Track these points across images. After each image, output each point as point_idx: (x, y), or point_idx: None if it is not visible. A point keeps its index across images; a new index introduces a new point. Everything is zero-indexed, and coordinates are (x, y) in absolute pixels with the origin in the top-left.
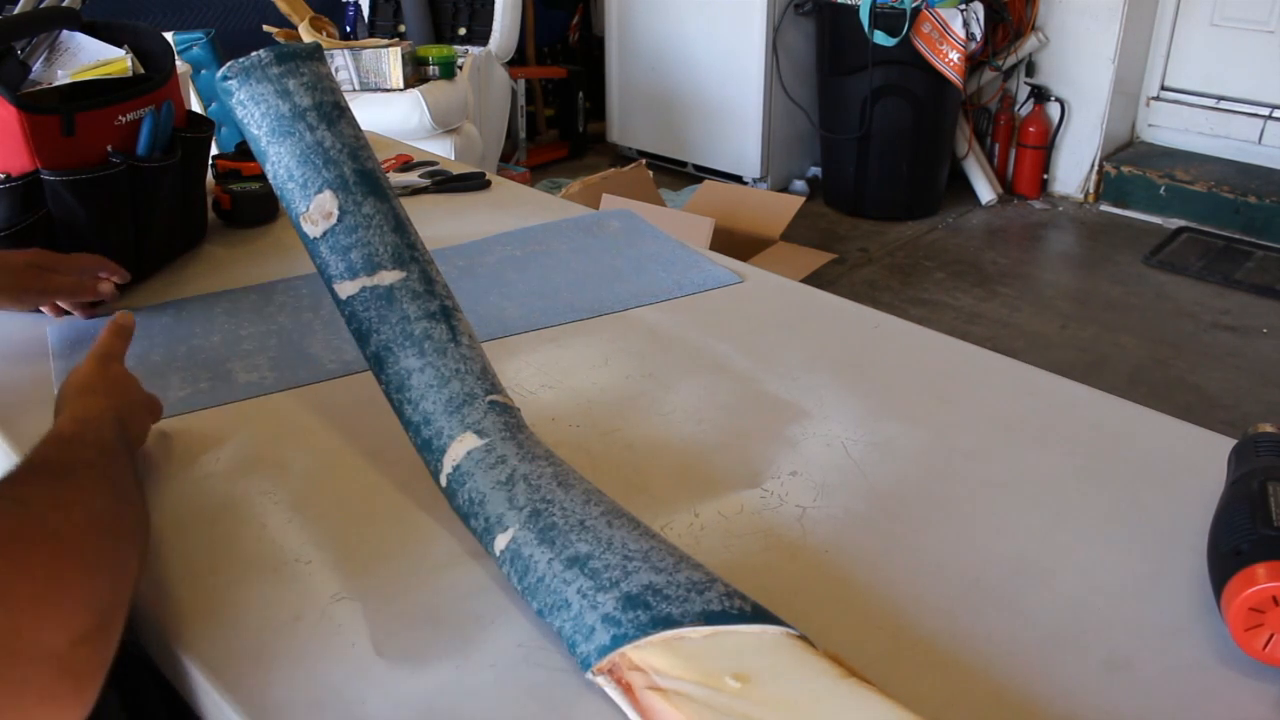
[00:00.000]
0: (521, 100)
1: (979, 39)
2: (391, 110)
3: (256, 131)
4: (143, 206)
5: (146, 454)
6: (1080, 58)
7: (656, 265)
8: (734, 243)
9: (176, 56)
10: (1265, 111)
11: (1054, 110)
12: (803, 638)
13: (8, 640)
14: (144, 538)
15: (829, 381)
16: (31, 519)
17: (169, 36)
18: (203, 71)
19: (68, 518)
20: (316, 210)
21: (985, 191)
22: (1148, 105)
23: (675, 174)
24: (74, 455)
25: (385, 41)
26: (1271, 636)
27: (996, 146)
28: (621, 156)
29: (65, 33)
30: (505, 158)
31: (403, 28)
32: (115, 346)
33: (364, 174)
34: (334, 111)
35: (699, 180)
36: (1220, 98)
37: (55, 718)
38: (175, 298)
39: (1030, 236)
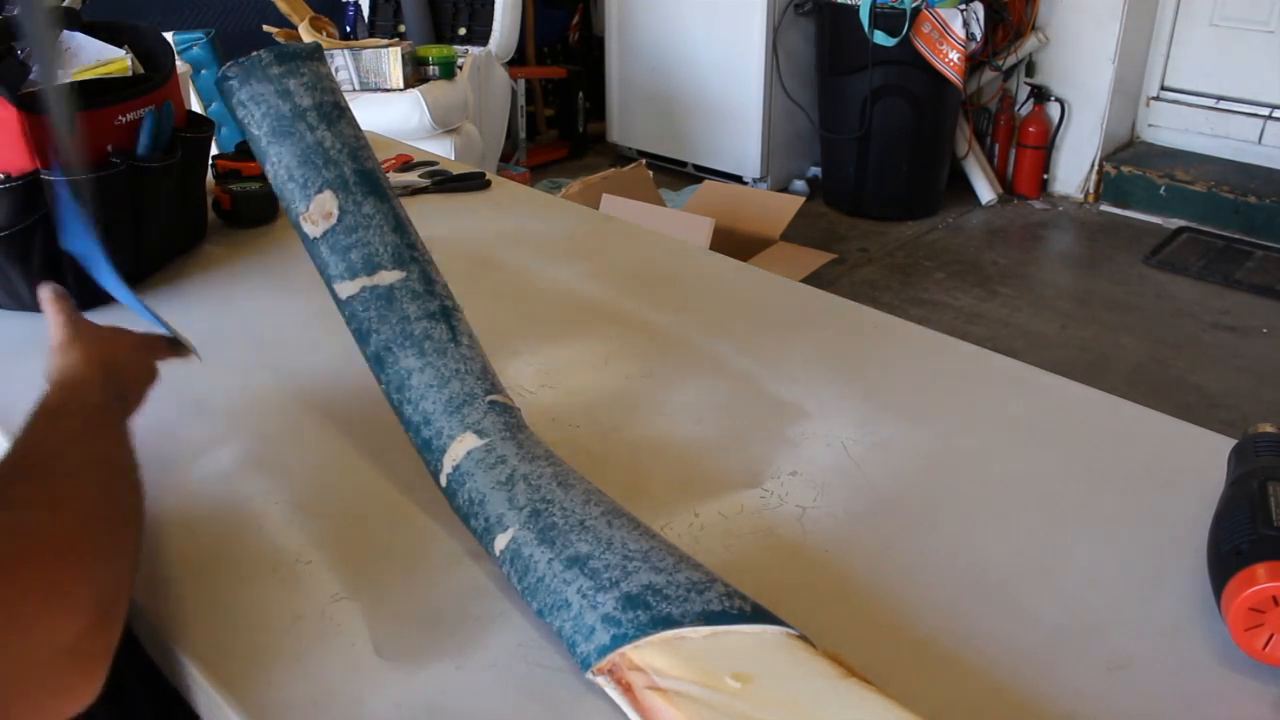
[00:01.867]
0: (521, 100)
1: (979, 39)
2: (391, 110)
3: (256, 131)
4: (142, 206)
5: (145, 452)
6: (1080, 58)
7: None
8: (734, 243)
9: (176, 56)
10: (1265, 111)
11: (1054, 110)
12: (803, 638)
13: (21, 654)
14: (140, 507)
15: (829, 381)
16: (22, 526)
17: (169, 36)
18: (203, 71)
19: (60, 519)
20: (316, 210)
21: (985, 191)
22: (1148, 105)
23: (675, 174)
24: (61, 433)
25: (385, 41)
26: (1271, 636)
27: (996, 146)
28: (621, 156)
29: (65, 33)
30: (505, 158)
31: (403, 28)
32: (67, 307)
33: (364, 174)
34: (334, 111)
35: (699, 180)
36: (1220, 98)
37: (68, 703)
38: (175, 298)
39: (1030, 236)
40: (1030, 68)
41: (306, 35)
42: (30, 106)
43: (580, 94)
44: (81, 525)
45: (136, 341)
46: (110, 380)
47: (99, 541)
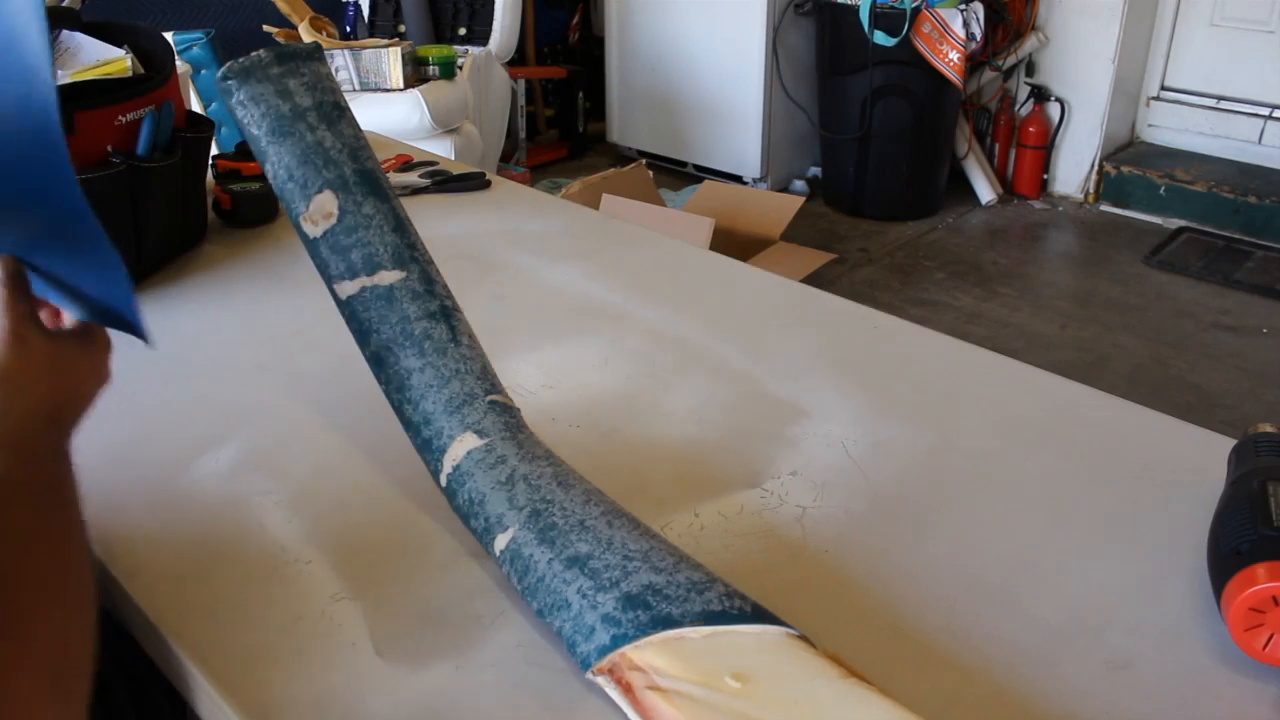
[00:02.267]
0: (521, 100)
1: (979, 39)
2: (391, 110)
3: (256, 131)
4: (142, 206)
5: (144, 453)
6: (1080, 58)
7: None
8: (734, 243)
9: (176, 56)
10: (1265, 111)
11: (1054, 110)
12: (803, 638)
13: None
14: (94, 594)
15: (829, 381)
16: None
17: (169, 36)
18: (203, 71)
19: (29, 653)
20: (316, 210)
21: (985, 191)
22: (1148, 105)
23: (675, 174)
24: (17, 534)
25: (385, 41)
26: (1271, 636)
27: (996, 146)
28: (621, 156)
29: (65, 33)
30: (505, 158)
31: (403, 28)
32: (19, 306)
33: (364, 174)
34: (334, 111)
35: (699, 180)
36: (1220, 98)
37: None
38: (175, 298)
39: (1030, 236)
40: (1030, 68)
41: (306, 35)
42: None
43: (580, 94)
44: (45, 659)
45: (87, 348)
46: (63, 422)
47: (66, 675)
